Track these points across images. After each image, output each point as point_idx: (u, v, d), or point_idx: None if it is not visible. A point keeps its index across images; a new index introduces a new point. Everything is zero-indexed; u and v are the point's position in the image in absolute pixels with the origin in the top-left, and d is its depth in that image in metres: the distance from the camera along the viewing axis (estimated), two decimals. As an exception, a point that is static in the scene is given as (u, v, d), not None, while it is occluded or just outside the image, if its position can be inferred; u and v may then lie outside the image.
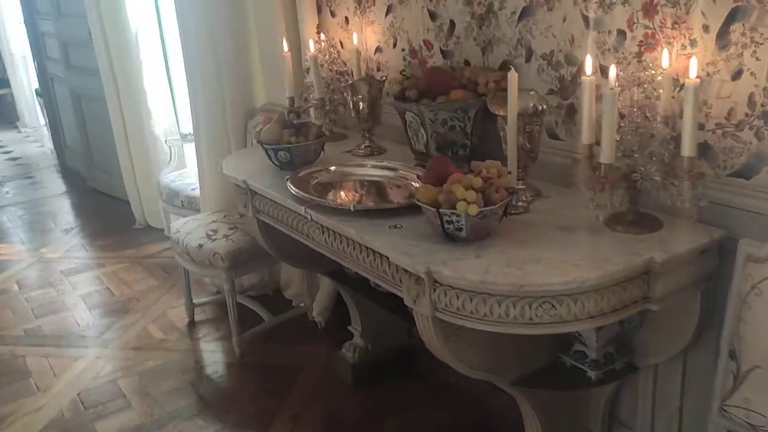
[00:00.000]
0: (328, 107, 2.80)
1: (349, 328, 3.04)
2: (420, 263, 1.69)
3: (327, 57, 2.88)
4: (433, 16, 2.55)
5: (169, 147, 4.65)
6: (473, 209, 1.68)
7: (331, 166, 2.44)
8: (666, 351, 1.95)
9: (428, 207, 1.75)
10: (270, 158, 2.51)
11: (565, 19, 2.06)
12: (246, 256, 3.16)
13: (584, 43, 2.01)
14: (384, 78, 2.64)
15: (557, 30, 2.09)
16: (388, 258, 1.84)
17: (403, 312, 2.61)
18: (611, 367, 1.98)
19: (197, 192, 4.10)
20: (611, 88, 1.63)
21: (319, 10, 3.15)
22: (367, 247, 1.93)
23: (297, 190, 2.18)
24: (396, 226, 1.93)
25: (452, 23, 2.47)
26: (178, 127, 4.81)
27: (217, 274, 3.20)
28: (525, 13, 2.18)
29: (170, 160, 4.65)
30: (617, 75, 1.65)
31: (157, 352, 3.39)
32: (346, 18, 3.02)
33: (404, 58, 2.74)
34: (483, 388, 2.65)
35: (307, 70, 2.96)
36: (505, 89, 1.85)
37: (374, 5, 2.82)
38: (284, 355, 3.25)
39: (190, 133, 4.58)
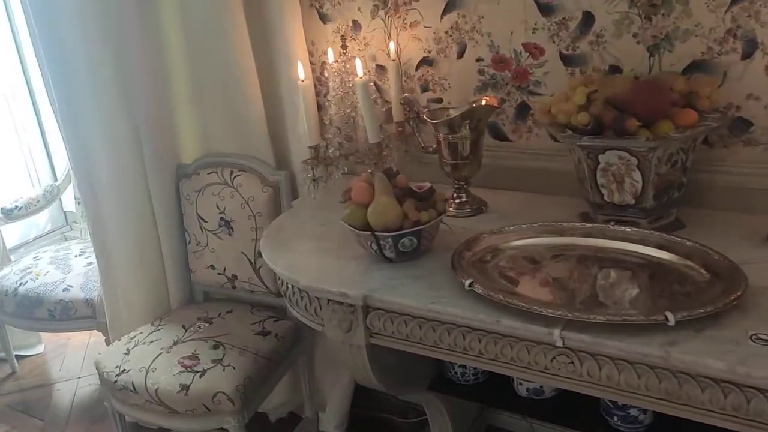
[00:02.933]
0: (385, 152, 1.92)
1: (431, 446, 2.21)
2: None
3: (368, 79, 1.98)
4: (544, 9, 1.82)
5: (-11, 232, 3.18)
6: None
7: (489, 245, 1.61)
8: None
9: None
10: (378, 250, 1.59)
11: (832, -5, 1.51)
12: (257, 384, 2.13)
13: None
14: (488, 102, 1.84)
15: (814, 11, 1.54)
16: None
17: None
18: None
19: (75, 294, 2.83)
20: None
21: (297, 14, 2.20)
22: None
23: (538, 306, 1.33)
24: (760, 336, 1.23)
25: (588, 16, 1.77)
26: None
27: (219, 422, 2.10)
28: (743, -7, 1.59)
29: (-6, 250, 3.20)
30: None
31: None
32: (355, 22, 2.12)
33: (481, 71, 1.97)
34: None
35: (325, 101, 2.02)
36: None
37: (418, 1, 1.99)
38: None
39: (16, 207, 3.22)
